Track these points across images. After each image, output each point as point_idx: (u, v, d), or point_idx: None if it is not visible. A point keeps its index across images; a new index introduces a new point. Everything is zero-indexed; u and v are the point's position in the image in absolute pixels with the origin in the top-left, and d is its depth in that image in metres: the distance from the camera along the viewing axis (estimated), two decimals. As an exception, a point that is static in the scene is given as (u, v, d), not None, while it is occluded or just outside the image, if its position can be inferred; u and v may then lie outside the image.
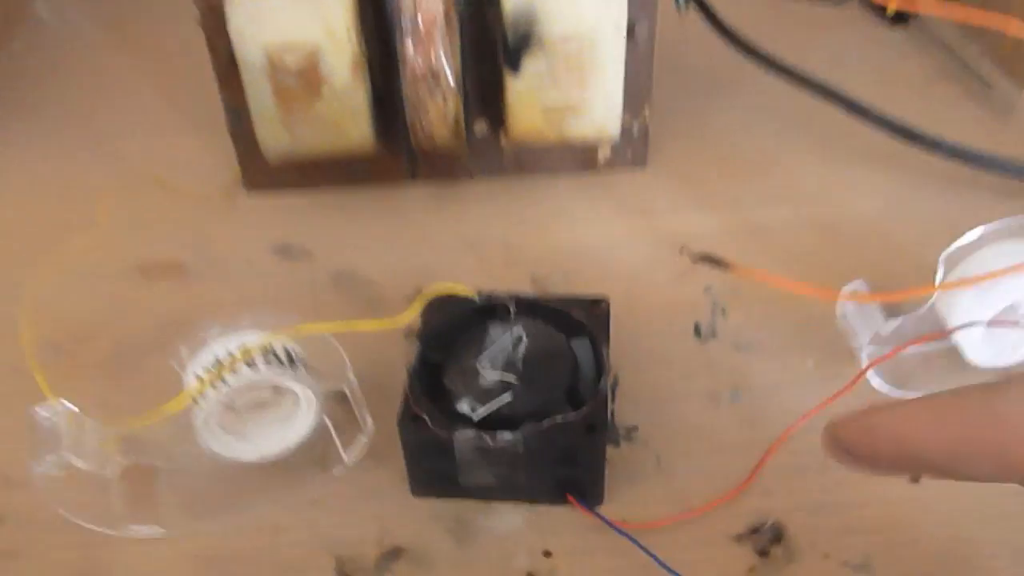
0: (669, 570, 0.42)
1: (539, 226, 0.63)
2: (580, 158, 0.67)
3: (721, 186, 0.65)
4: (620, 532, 0.43)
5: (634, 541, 0.44)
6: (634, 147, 0.66)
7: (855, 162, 0.68)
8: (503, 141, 0.63)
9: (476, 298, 0.48)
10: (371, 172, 0.64)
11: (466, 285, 0.47)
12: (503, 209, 0.64)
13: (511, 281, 0.57)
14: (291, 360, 0.46)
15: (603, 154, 0.66)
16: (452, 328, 0.47)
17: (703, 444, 0.49)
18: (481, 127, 0.62)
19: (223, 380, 0.44)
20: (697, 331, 0.56)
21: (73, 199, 0.67)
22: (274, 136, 0.59)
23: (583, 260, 0.59)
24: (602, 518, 0.45)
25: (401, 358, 0.46)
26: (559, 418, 0.42)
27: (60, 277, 0.57)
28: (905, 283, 0.47)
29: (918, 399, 0.29)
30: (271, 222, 0.64)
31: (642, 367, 0.54)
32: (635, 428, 0.50)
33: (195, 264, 0.61)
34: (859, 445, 0.30)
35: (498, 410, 0.43)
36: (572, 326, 0.47)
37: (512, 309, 0.47)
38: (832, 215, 0.63)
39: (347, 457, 0.48)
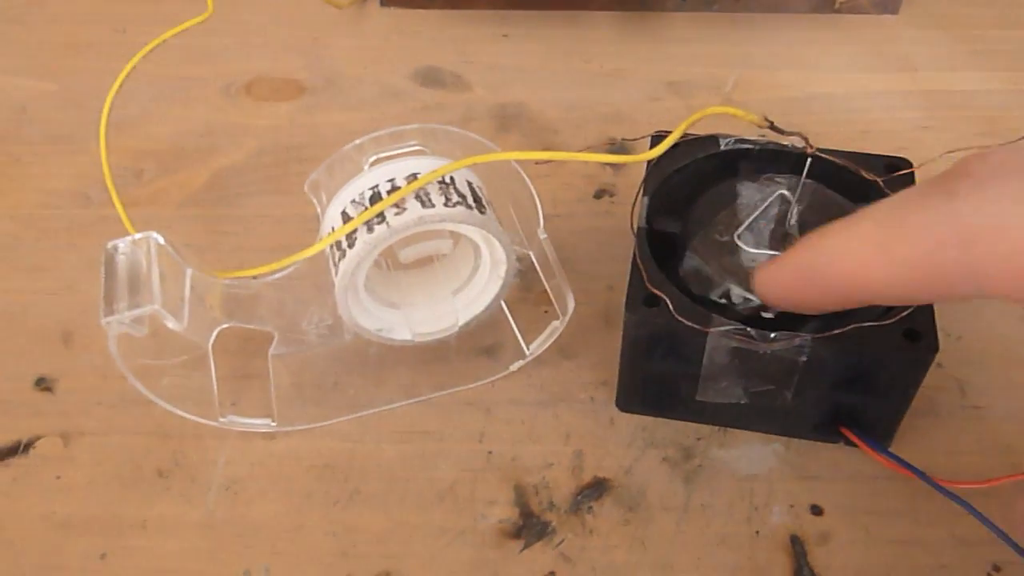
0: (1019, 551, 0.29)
1: (765, 72, 0.50)
2: (815, -6, 0.54)
3: (1002, 40, 0.52)
4: (946, 493, 0.32)
5: (971, 510, 0.31)
6: (888, -16, 0.53)
7: None
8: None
9: (755, 134, 0.34)
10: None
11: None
12: (718, 49, 0.52)
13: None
14: (478, 201, 0.32)
15: (845, -10, 0.52)
16: (688, 185, 0.35)
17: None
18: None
19: (384, 221, 0.30)
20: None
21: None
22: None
23: (826, 119, 0.48)
24: (916, 471, 0.32)
25: (596, 225, 0.38)
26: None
27: (148, 85, 0.49)
28: None
29: (855, 220, 0.24)
30: (412, 43, 0.52)
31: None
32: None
33: (313, 85, 0.50)
34: (788, 296, 0.27)
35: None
36: (864, 192, 0.34)
37: (808, 155, 0.33)
38: None
39: (529, 349, 0.36)
